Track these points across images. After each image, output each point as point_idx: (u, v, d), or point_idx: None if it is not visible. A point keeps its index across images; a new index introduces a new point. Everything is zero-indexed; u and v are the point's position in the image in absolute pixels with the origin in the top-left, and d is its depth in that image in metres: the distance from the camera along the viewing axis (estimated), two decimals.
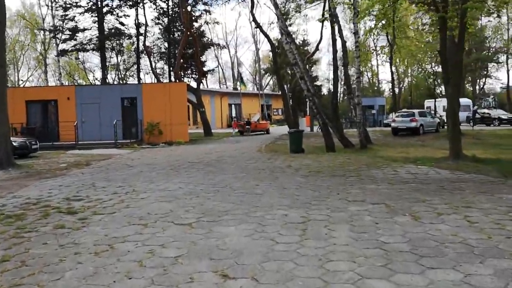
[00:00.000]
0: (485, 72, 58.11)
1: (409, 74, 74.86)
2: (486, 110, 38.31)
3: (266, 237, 5.58)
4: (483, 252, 4.66)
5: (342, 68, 25.94)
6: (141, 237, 5.80)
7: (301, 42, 71.56)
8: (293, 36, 70.71)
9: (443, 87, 68.62)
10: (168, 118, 25.22)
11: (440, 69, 57.33)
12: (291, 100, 39.07)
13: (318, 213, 6.82)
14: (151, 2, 40.32)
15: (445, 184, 9.05)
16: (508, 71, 60.76)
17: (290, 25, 70.99)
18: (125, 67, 56.97)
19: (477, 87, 64.60)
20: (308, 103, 54.41)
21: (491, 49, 54.18)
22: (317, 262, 4.60)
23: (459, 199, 7.46)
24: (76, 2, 37.09)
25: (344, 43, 22.55)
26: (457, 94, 13.08)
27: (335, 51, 28.00)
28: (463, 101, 34.66)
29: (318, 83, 70.86)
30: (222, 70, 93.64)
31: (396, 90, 70.06)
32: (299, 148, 17.24)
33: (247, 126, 34.57)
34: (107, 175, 12.30)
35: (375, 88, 77.53)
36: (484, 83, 64.44)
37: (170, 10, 39.95)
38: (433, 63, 65.46)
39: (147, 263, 4.76)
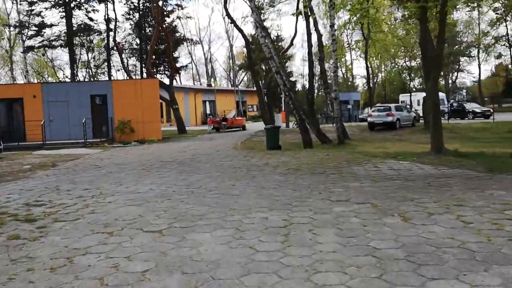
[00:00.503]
0: (457, 66, 58.91)
1: (382, 69, 75.44)
2: (457, 104, 38.66)
3: (245, 244, 5.03)
4: (486, 258, 4.21)
5: (318, 62, 25.54)
6: (105, 247, 5.17)
7: (275, 38, 71.22)
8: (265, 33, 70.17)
9: (416, 81, 69.67)
10: (140, 116, 24.39)
11: (413, 64, 57.99)
12: (266, 96, 38.54)
13: (300, 215, 6.31)
14: None
15: (431, 181, 8.67)
16: (479, 65, 61.90)
17: (264, 20, 70.56)
18: (95, 64, 55.51)
19: (450, 81, 65.50)
20: (284, 98, 54.08)
21: (463, 43, 54.86)
22: (303, 274, 4.07)
23: (448, 196, 7.05)
24: None
25: (319, 36, 22.15)
26: (437, 87, 12.77)
27: (310, 45, 27.60)
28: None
29: (292, 78, 70.69)
30: (196, 66, 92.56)
31: (371, 84, 70.61)
32: (276, 145, 16.74)
33: (223, 123, 34.09)
34: (73, 177, 11.54)
35: (349, 83, 77.79)
36: (456, 77, 65.46)
37: (141, 5, 38.88)
38: (406, 58, 66.33)
39: (110, 281, 4.14)
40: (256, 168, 11.63)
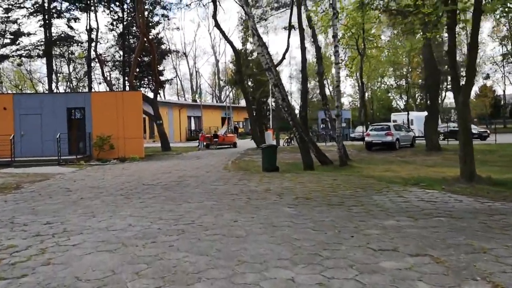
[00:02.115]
0: (446, 86, 58.20)
1: (369, 88, 74.54)
2: (455, 124, 37.30)
3: None
4: None
5: (317, 77, 23.88)
6: None
7: None
8: (254, 47, 68.84)
9: (402, 101, 68.82)
10: (121, 131, 22.36)
11: (402, 83, 57.02)
12: (254, 113, 36.78)
13: (340, 275, 4.46)
14: (104, 7, 37.33)
15: (485, 219, 6.90)
16: None
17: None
18: (76, 77, 53.23)
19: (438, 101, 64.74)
20: (271, 115, 52.44)
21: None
22: None
23: None
24: (20, 4, 33.53)
25: (318, 48, 20.56)
26: (468, 103, 11.12)
27: (304, 60, 26.09)
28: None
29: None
30: (181, 81, 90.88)
31: (357, 103, 69.62)
32: (273, 166, 14.92)
33: (214, 139, 32.47)
34: (36, 204, 9.49)
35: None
36: (444, 97, 64.75)
37: (125, 15, 37.04)
38: (393, 77, 65.59)
39: None
40: (257, 196, 9.75)
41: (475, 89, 66.78)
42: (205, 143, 33.13)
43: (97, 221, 7.54)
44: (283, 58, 31.33)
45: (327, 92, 78.62)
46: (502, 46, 60.64)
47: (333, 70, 17.34)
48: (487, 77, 61.36)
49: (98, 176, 15.04)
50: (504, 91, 66.62)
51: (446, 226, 6.54)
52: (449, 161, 18.66)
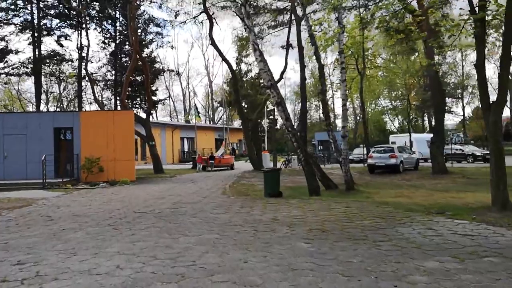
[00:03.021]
0: (448, 108, 57.80)
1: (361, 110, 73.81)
2: (458, 146, 36.47)
3: None
4: None
5: (320, 96, 22.88)
6: None
7: (256, 74, 69.47)
8: (249, 68, 68.13)
9: (396, 122, 68.21)
10: (111, 153, 21.09)
11: (397, 104, 56.36)
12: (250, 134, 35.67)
13: None
14: (96, 25, 36.39)
15: None
16: (463, 107, 61.01)
17: (246, 55, 68.94)
18: (67, 97, 51.98)
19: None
20: (266, 136, 51.38)
21: (450, 84, 53.78)
22: None
23: None
24: (8, 20, 32.43)
25: (321, 66, 19.59)
26: (500, 123, 10.08)
27: (303, 79, 25.14)
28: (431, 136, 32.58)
29: (273, 117, 68.45)
30: (173, 102, 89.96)
31: (352, 124, 68.88)
32: (276, 191, 13.72)
33: (210, 161, 31.44)
34: (10, 237, 8.20)
35: (333, 124, 75.93)
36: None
37: (117, 33, 36.07)
38: (388, 99, 65.11)
39: None
40: (264, 227, 8.53)
41: (468, 111, 66.48)
42: (202, 165, 32.13)
43: (78, 261, 6.29)
44: (281, 77, 30.45)
45: (321, 115, 78.14)
46: (498, 68, 60.45)
47: (341, 88, 16.16)
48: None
49: (84, 202, 13.74)
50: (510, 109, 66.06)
51: (502, 269, 5.39)
52: (460, 186, 17.61)
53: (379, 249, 6.58)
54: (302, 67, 25.08)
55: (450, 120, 66.12)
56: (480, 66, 9.04)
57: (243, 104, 45.35)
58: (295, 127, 15.67)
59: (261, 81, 69.64)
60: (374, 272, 5.39)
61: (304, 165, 14.13)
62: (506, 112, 68.85)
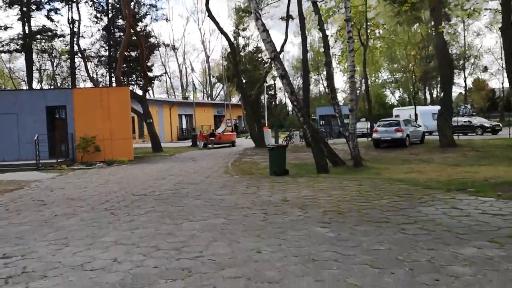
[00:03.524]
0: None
1: (363, 83, 72.83)
2: (466, 118, 35.61)
3: None
4: None
5: (325, 68, 21.95)
6: None
7: (254, 49, 68.09)
8: (247, 42, 66.70)
9: (397, 95, 67.30)
10: (107, 132, 20.32)
11: (398, 76, 55.36)
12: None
13: None
14: None
15: None
16: (465, 78, 60.05)
17: (244, 29, 67.46)
18: (60, 75, 50.82)
19: (434, 94, 63.36)
20: (263, 111, 50.50)
21: (452, 55, 52.58)
22: None
23: None
24: None
25: (325, 36, 18.64)
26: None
27: (305, 51, 24.29)
28: (437, 108, 31.71)
29: (272, 92, 67.43)
30: (170, 79, 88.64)
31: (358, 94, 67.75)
32: (282, 169, 13.03)
33: (211, 138, 30.78)
34: None
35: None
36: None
37: (109, 7, 34.79)
38: (388, 71, 64.06)
39: None
40: (274, 209, 7.86)
41: (468, 82, 65.54)
42: (203, 143, 31.59)
43: (71, 253, 5.62)
44: (282, 50, 29.43)
45: (321, 89, 77.05)
46: (500, 38, 59.32)
47: (349, 59, 15.28)
48: (485, 69, 60.02)
49: (79, 184, 13.04)
50: (502, 84, 65.25)
51: None
52: (472, 159, 16.94)
53: (405, 233, 5.91)
54: (304, 38, 24.15)
55: (454, 92, 65.17)
56: (506, 30, 8.22)
57: (242, 79, 44.38)
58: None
59: (259, 55, 68.54)
60: (407, 262, 4.72)
61: (311, 141, 13.40)
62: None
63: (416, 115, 34.66)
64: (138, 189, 11.20)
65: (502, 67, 63.14)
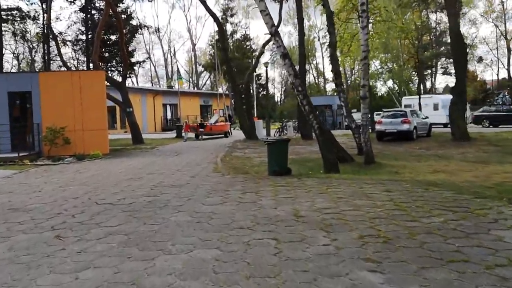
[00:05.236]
0: (445, 69, 55.02)
1: (355, 73, 70.75)
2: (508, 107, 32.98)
3: None
4: None
5: (329, 50, 19.65)
6: None
7: (242, 37, 65.55)
8: (235, 29, 64.27)
9: (388, 84, 65.42)
10: (78, 121, 17.81)
11: (392, 65, 53.30)
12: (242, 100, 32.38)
13: None
14: None
15: None
16: None
17: (232, 15, 64.70)
18: (40, 62, 47.72)
19: (428, 84, 61.50)
20: (252, 102, 48.09)
21: (449, 45, 50.68)
22: None
23: None
24: None
25: (330, 13, 16.31)
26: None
27: (302, 34, 21.97)
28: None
29: (262, 82, 65.04)
30: (155, 68, 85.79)
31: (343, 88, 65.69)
32: (284, 169, 10.75)
33: (200, 129, 28.33)
34: None
35: (322, 88, 72.77)
36: (435, 80, 61.53)
37: None
38: (380, 61, 61.99)
39: None
40: (287, 233, 5.57)
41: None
42: (194, 134, 29.27)
43: None
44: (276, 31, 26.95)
45: (311, 79, 74.80)
46: (496, 28, 57.71)
47: (362, 37, 12.95)
48: (480, 60, 58.34)
49: (36, 185, 10.60)
50: (497, 75, 63.78)
51: None
52: (496, 156, 14.89)
53: (507, 284, 3.69)
54: (300, 19, 21.89)
55: (451, 82, 63.42)
56: None
57: (231, 65, 41.92)
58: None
59: (247, 43, 66.00)
60: None
61: (318, 135, 11.11)
62: None
63: (420, 105, 32.50)
64: (106, 195, 8.81)
65: (497, 57, 61.69)
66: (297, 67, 16.70)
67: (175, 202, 7.75)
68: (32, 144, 17.67)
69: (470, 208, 6.52)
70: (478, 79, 64.53)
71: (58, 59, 29.17)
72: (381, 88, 71.95)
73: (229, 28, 61.90)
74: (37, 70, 47.98)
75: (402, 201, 7.20)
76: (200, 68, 76.80)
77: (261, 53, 31.58)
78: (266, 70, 31.56)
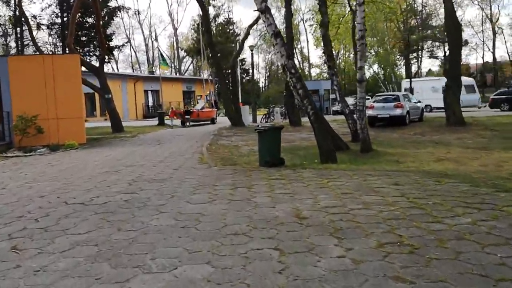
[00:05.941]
0: (431, 53, 54.54)
1: (340, 57, 69.96)
2: None
3: None
4: None
5: (320, 30, 18.65)
6: None
7: (225, 21, 64.10)
8: (218, 12, 62.69)
9: (373, 69, 64.86)
10: (52, 109, 16.61)
11: (378, 49, 52.67)
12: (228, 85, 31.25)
13: None
14: None
15: None
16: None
17: None
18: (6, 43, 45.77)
19: (414, 67, 61.11)
20: (247, 87, 46.96)
21: (435, 28, 50.21)
22: None
23: None
24: None
25: None
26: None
27: (289, 14, 20.93)
28: (466, 80, 28.53)
29: (246, 67, 63.84)
30: (136, 53, 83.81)
31: (327, 75, 64.93)
32: (277, 159, 9.83)
33: (186, 116, 27.26)
34: None
35: (306, 73, 71.80)
36: (421, 63, 61.13)
37: None
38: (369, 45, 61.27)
39: None
40: (290, 240, 4.66)
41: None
42: (180, 121, 28.31)
43: None
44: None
45: (296, 63, 73.71)
46: (482, 10, 57.28)
47: (359, 14, 11.98)
48: (465, 43, 57.97)
49: (0, 180, 9.50)
50: (483, 58, 63.62)
51: None
52: (496, 141, 14.22)
53: None
54: None
55: (435, 66, 63.24)
56: None
57: (216, 49, 40.66)
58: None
59: (230, 27, 64.55)
60: None
61: (314, 121, 10.18)
62: None
63: (411, 89, 31.68)
64: (77, 193, 7.78)
65: (482, 41, 61.42)
66: None
67: (156, 201, 6.77)
68: (2, 134, 16.44)
69: (497, 205, 5.69)
70: (462, 62, 64.53)
71: (30, 43, 27.72)
72: (366, 72, 71.59)
73: (211, 11, 60.39)
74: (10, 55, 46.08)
75: (416, 196, 6.34)
76: (182, 53, 75.17)
77: (247, 35, 30.43)
78: (252, 54, 30.56)
